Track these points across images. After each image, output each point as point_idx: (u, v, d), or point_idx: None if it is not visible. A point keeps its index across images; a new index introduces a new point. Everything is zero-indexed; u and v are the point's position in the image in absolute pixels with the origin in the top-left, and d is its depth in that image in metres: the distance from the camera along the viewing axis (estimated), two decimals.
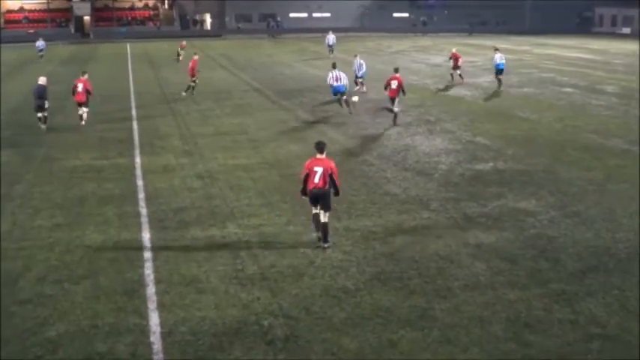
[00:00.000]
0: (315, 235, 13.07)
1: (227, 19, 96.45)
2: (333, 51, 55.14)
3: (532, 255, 12.33)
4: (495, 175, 17.92)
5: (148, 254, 12.48)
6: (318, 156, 13.00)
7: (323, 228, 12.77)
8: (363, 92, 32.66)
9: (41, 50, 54.79)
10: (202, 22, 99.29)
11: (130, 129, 24.86)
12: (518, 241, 13.03)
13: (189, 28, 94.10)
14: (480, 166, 18.91)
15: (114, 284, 11.19)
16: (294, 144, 21.92)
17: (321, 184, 12.68)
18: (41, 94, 24.87)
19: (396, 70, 26.17)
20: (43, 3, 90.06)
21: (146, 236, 13.41)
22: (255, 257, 12.31)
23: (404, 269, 11.73)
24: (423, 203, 15.50)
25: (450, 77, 38.42)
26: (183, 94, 32.99)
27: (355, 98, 27.22)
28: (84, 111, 25.89)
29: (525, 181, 17.37)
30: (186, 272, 11.65)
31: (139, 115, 27.78)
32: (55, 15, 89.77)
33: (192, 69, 33.33)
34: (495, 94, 32.98)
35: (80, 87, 25.71)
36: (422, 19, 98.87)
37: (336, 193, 12.99)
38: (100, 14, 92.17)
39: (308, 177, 12.79)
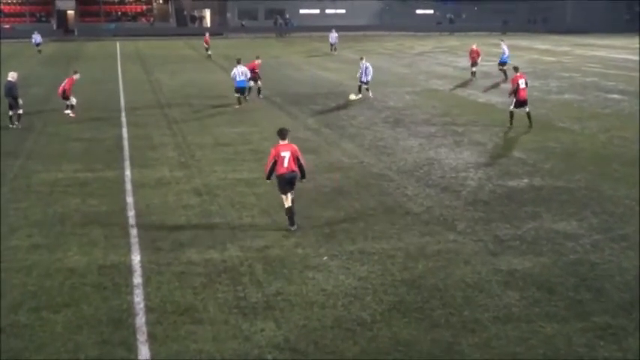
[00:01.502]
0: (292, 228, 14.96)
1: (229, 15, 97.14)
2: (335, 49, 56.71)
3: (572, 284, 12.31)
4: (531, 193, 17.91)
5: (138, 279, 12.53)
6: (282, 142, 15.18)
7: (291, 210, 14.99)
8: (370, 98, 33.03)
9: (39, 44, 59.00)
10: (201, 18, 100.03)
11: (119, 138, 25.02)
12: (557, 268, 13.01)
13: (186, 25, 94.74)
14: (513, 183, 18.90)
15: (99, 313, 11.24)
16: (304, 155, 21.72)
17: (292, 167, 15.01)
18: (10, 91, 26.40)
19: (517, 69, 27.05)
20: None
21: (136, 259, 13.47)
22: (258, 283, 12.35)
23: (426, 299, 11.73)
24: (448, 224, 15.51)
25: (473, 75, 39.71)
26: (261, 96, 33.44)
27: (353, 96, 31.05)
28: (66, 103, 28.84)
29: (565, 199, 17.35)
30: (180, 300, 11.69)
31: (130, 122, 27.97)
32: (35, 9, 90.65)
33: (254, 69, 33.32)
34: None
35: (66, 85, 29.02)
36: (448, 16, 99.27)
37: (303, 176, 15.32)
38: (86, 8, 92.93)
39: (276, 163, 14.96)
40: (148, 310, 11.31)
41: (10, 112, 26.73)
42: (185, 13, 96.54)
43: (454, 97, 34.95)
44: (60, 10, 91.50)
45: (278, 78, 42.63)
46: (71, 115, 28.35)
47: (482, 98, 34.24)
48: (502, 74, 40.31)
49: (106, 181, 19.21)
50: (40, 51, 59.44)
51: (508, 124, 26.28)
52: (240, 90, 31.24)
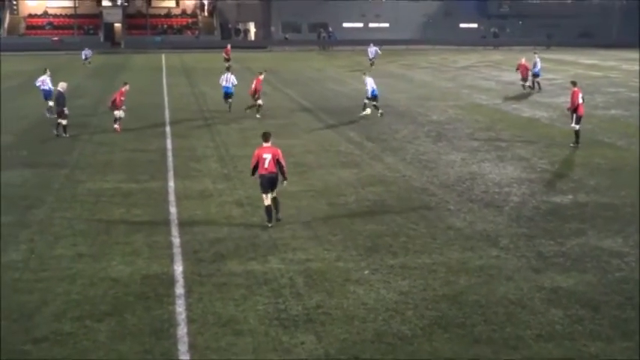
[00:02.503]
0: (269, 225, 16.09)
1: (273, 28, 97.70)
2: (373, 64, 56.02)
3: (617, 302, 12.10)
4: (575, 210, 17.68)
5: (180, 290, 12.64)
6: (265, 145, 16.49)
7: (275, 203, 16.37)
8: (366, 114, 32.33)
9: (87, 58, 59.35)
10: (246, 31, 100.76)
11: (163, 149, 25.28)
12: (602, 286, 12.81)
13: (230, 37, 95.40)
14: (557, 199, 18.69)
15: (141, 323, 11.35)
16: (346, 169, 22.02)
17: (272, 169, 16.16)
18: (58, 101, 27.45)
19: (575, 84, 26.58)
20: (70, 7, 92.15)
21: (178, 269, 13.60)
22: (299, 296, 12.37)
23: (468, 314, 11.63)
24: (491, 240, 15.38)
25: (525, 88, 41.86)
26: (257, 115, 32.52)
27: (368, 111, 32.29)
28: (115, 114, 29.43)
29: (610, 216, 17.09)
30: (222, 311, 11.75)
31: (174, 134, 28.24)
32: (83, 21, 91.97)
33: (256, 90, 32.48)
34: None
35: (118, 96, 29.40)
36: (493, 30, 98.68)
37: (284, 177, 16.34)
38: (133, 21, 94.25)
39: (258, 164, 16.21)
40: (190, 320, 11.38)
41: (58, 121, 27.72)
42: (230, 26, 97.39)
43: (498, 111, 34.69)
44: (107, 22, 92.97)
45: (320, 91, 42.73)
46: (117, 128, 28.68)
47: (527, 113, 33.91)
48: (535, 86, 42.11)
49: (150, 191, 19.42)
50: (89, 62, 60.20)
51: (573, 143, 25.64)
52: (227, 95, 33.98)
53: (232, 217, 16.99)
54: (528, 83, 42.24)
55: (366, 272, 13.35)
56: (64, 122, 27.66)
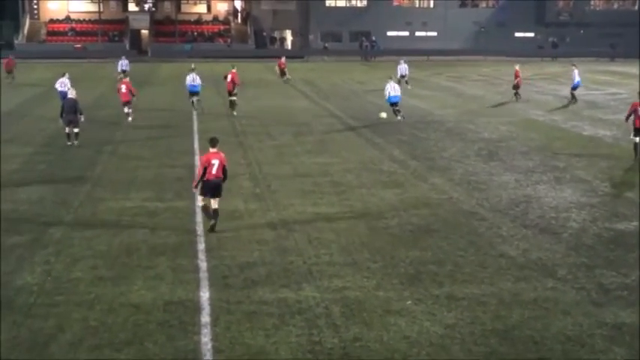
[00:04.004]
0: (210, 223, 17.40)
1: (311, 37, 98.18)
2: (407, 83, 51.38)
3: None
4: None
5: (206, 318, 12.67)
6: (212, 150, 17.60)
7: (216, 214, 17.50)
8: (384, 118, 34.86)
9: (124, 71, 54.92)
10: (282, 40, 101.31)
11: (191, 166, 25.43)
12: None
13: (265, 46, 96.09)
14: (621, 226, 18.45)
15: (164, 353, 11.39)
16: (388, 190, 21.98)
17: (219, 175, 17.39)
18: (73, 108, 28.86)
19: None
20: (94, 12, 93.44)
21: (205, 296, 13.63)
22: (335, 327, 12.33)
23: (521, 352, 11.50)
24: (546, 269, 15.22)
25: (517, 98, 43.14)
26: (234, 113, 37.48)
27: (384, 115, 34.64)
28: (129, 111, 34.77)
29: None
30: (251, 342, 11.75)
31: (203, 150, 28.36)
32: (108, 27, 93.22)
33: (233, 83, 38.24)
34: None
35: (124, 88, 34.84)
36: (551, 39, 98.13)
37: (224, 179, 17.66)
38: (161, 28, 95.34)
39: (206, 169, 17.24)
40: (216, 351, 11.40)
41: (67, 130, 29.02)
42: (265, 34, 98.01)
43: (555, 128, 34.42)
44: (134, 29, 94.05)
45: (362, 105, 42.78)
46: (130, 119, 34.43)
47: (588, 130, 33.61)
48: (572, 98, 44.10)
49: (176, 211, 19.55)
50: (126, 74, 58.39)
51: (634, 158, 25.94)
52: (192, 94, 38.79)
53: (264, 241, 17.02)
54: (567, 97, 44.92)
55: (409, 303, 13.27)
56: (75, 130, 28.91)
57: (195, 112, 38.00)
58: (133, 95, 34.92)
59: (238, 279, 14.52)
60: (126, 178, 23.49)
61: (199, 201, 17.90)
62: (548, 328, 12.34)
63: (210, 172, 17.35)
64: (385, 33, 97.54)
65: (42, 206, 20.05)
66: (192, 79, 38.88)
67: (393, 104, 35.48)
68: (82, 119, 29.37)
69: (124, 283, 14.28)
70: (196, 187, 17.81)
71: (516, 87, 45.58)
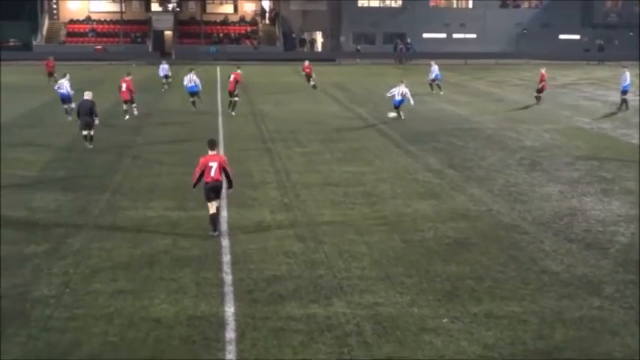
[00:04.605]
0: (211, 234, 18.00)
1: (343, 38, 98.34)
2: (440, 87, 52.12)
3: None
4: None
5: (230, 334, 12.71)
6: (211, 152, 18.29)
7: (215, 217, 18.16)
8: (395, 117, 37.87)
9: (167, 77, 54.98)
10: (312, 42, 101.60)
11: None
12: None
13: (295, 49, 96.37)
14: None
15: None
16: (424, 201, 21.94)
17: (217, 177, 18.00)
18: (89, 110, 29.69)
19: None
20: (116, 12, 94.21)
21: (230, 311, 13.68)
22: (367, 346, 12.31)
23: None
24: (593, 287, 15.10)
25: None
26: (233, 113, 39.97)
27: (393, 114, 38.21)
28: (131, 106, 38.32)
29: None
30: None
31: (228, 157, 28.32)
32: (130, 28, 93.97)
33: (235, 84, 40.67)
34: None
35: (124, 86, 37.94)
36: (598, 42, 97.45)
37: (230, 186, 18.52)
38: (185, 29, 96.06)
39: (204, 172, 17.96)
40: None
41: (85, 133, 29.83)
42: (294, 35, 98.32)
43: (603, 137, 34.17)
44: (157, 30, 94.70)
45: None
46: (136, 113, 38.31)
47: (638, 140, 33.31)
48: (622, 104, 43.64)
49: (200, 221, 19.59)
50: (169, 83, 55.49)
51: None
52: (192, 94, 41.89)
53: (292, 253, 17.05)
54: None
55: (445, 320, 13.23)
56: (91, 132, 29.79)
57: (220, 118, 38.13)
58: (133, 94, 38.45)
59: (265, 293, 14.54)
60: (147, 186, 23.64)
61: (209, 208, 18.28)
62: (594, 350, 12.25)
63: (209, 175, 18.05)
64: (421, 35, 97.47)
65: (60, 215, 20.24)
66: (190, 79, 41.87)
67: (397, 106, 38.28)
68: (97, 122, 30.32)
69: (145, 296, 14.37)
70: (194, 187, 18.64)
71: (540, 90, 45.86)
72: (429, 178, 25.16)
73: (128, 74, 39.81)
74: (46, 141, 31.73)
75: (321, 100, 48.11)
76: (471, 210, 21.03)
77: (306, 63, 56.36)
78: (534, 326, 13.13)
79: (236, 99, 40.94)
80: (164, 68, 55.56)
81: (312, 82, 54.32)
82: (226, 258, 16.67)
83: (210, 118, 39.12)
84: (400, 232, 18.82)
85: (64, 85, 37.68)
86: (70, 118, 36.09)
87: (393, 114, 38.18)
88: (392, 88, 39.03)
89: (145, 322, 13.15)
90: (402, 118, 37.97)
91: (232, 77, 41.12)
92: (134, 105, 38.85)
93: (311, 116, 40.07)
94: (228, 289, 14.74)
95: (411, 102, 38.64)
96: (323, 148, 30.53)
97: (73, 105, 36.14)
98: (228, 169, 18.36)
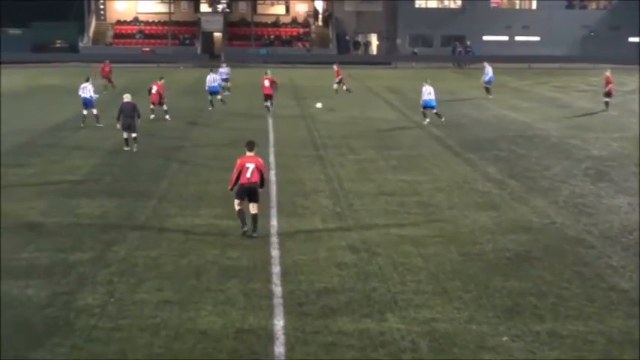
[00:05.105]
0: (244, 229, 18.80)
1: (399, 41, 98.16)
2: (489, 91, 52.37)
3: None
4: None
5: (280, 349, 12.74)
6: (248, 154, 19.16)
7: (254, 219, 18.83)
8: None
9: (226, 80, 53.72)
10: (367, 44, 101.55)
11: (266, 181, 25.60)
12: None
13: (349, 51, 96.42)
14: None
15: None
16: (482, 212, 21.80)
17: (254, 179, 18.72)
18: (131, 112, 30.60)
19: None
20: (164, 13, 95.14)
21: (279, 324, 13.71)
22: None
23: None
24: None
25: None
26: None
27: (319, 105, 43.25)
28: (162, 110, 39.38)
29: None
30: None
31: (279, 164, 28.67)
32: (178, 30, 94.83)
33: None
34: None
35: (154, 89, 39.67)
36: None
37: (262, 185, 19.13)
38: (235, 30, 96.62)
39: (240, 173, 18.67)
40: None
41: (125, 135, 30.60)
42: (348, 38, 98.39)
43: None
44: (206, 31, 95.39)
45: (454, 117, 42.51)
46: (168, 117, 39.37)
47: None
48: None
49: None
50: (228, 88, 54.12)
51: None
52: (213, 93, 45.11)
53: (345, 265, 17.05)
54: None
55: (505, 339, 13.12)
56: (133, 135, 30.47)
57: (270, 123, 38.31)
58: (162, 98, 39.88)
59: (316, 306, 14.56)
60: (195, 193, 23.81)
61: (236, 205, 18.99)
62: None
63: (245, 176, 18.74)
64: (481, 37, 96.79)
65: (105, 221, 20.50)
66: (213, 79, 45.45)
67: (429, 107, 39.06)
68: (139, 122, 31.33)
69: (191, 307, 14.47)
70: (231, 190, 19.29)
71: (608, 94, 45.21)
72: (488, 188, 25.01)
73: (161, 78, 41.45)
74: (94, 145, 32.24)
75: (375, 106, 48.09)
76: (533, 222, 20.84)
77: (335, 67, 55.14)
78: (600, 346, 12.97)
79: (268, 104, 43.20)
80: (223, 72, 54.12)
81: (345, 86, 53.15)
82: (276, 269, 16.73)
83: (260, 123, 39.33)
84: (458, 244, 18.73)
85: (88, 89, 38.03)
86: (100, 125, 37.04)
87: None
88: (424, 89, 39.67)
89: (191, 335, 13.25)
90: (443, 119, 38.93)
91: (267, 83, 43.15)
92: (165, 108, 39.89)
93: (365, 122, 40.07)
94: (278, 302, 14.78)
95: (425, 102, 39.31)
96: (377, 156, 30.51)
97: (95, 111, 37.49)
98: (264, 172, 19.35)
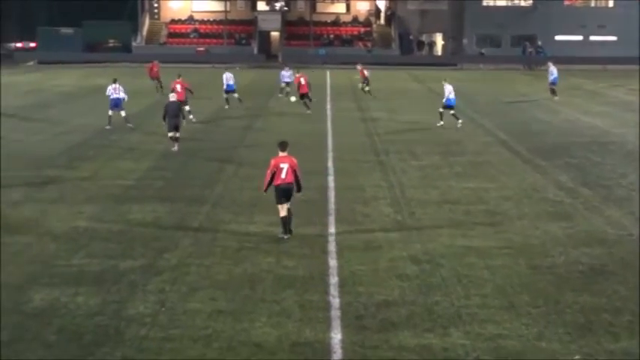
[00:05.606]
0: (284, 237, 19.33)
1: (465, 41, 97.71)
2: (555, 92, 52.45)
3: None
4: None
5: None
6: (281, 154, 19.69)
7: (289, 215, 19.42)
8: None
9: (287, 83, 52.97)
10: (431, 44, 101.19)
11: (324, 188, 25.70)
12: None
13: (412, 52, 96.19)
14: None
15: None
16: (553, 222, 21.58)
17: (289, 179, 19.29)
18: (177, 111, 31.65)
19: None
20: (220, 12, 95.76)
21: (336, 337, 13.69)
22: None
23: None
24: None
25: None
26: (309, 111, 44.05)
27: (293, 98, 45.03)
28: (184, 110, 36.78)
29: None
30: None
31: (338, 170, 28.70)
32: (234, 29, 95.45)
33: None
34: None
35: (179, 87, 39.51)
36: None
37: (299, 189, 19.61)
38: (293, 30, 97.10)
39: (275, 174, 19.25)
40: None
41: (171, 134, 31.48)
42: (411, 37, 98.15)
43: None
44: (263, 31, 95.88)
45: (524, 122, 42.24)
46: (192, 118, 39.59)
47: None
48: None
49: (306, 238, 19.76)
50: (286, 93, 52.28)
51: None
52: (229, 92, 47.06)
53: (406, 276, 16.99)
54: None
55: (577, 357, 12.97)
56: (177, 134, 31.34)
57: (329, 127, 38.33)
58: (191, 92, 41.84)
59: (375, 320, 14.53)
60: (249, 199, 23.91)
61: (281, 211, 19.47)
62: None
63: (279, 177, 19.37)
64: (553, 37, 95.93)
65: (157, 228, 20.70)
66: (229, 77, 47.54)
67: (450, 107, 39.67)
68: (185, 123, 32.60)
69: (245, 318, 14.53)
70: (265, 191, 19.90)
71: None
72: (560, 197, 24.76)
73: (179, 76, 42.32)
74: (146, 148, 32.64)
75: (437, 108, 47.92)
76: (608, 234, 20.57)
77: (359, 66, 55.72)
78: None
79: (307, 100, 45.09)
80: (284, 75, 53.57)
81: (367, 88, 53.43)
82: (333, 279, 16.73)
83: (319, 127, 39.40)
84: (526, 256, 18.56)
85: (119, 89, 38.58)
86: (130, 125, 37.83)
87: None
88: (446, 88, 40.07)
89: (244, 347, 13.29)
90: (459, 123, 39.26)
91: (303, 81, 45.28)
92: (188, 109, 39.65)
93: (428, 126, 39.90)
94: (335, 314, 14.77)
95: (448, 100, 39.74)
96: (441, 162, 30.39)
97: (124, 113, 38.13)
98: (298, 171, 19.68)
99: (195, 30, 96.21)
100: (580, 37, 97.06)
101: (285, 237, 19.36)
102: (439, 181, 26.90)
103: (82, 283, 16.23)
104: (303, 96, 45.03)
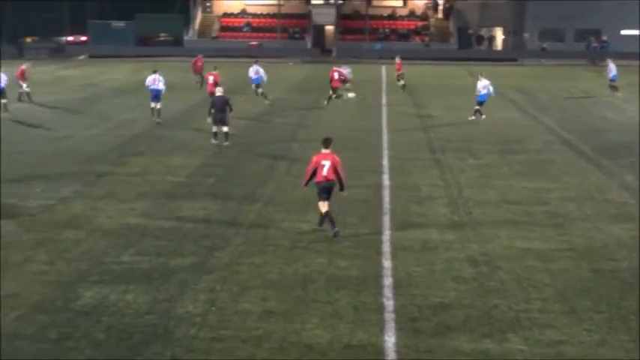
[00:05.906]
0: (331, 233, 19.39)
1: (527, 35, 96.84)
2: (617, 89, 52.25)
3: None
4: None
5: None
6: (324, 151, 20.06)
7: (329, 216, 19.62)
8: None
9: (344, 81, 51.16)
10: (490, 39, 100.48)
11: (379, 186, 25.71)
12: None
13: (471, 46, 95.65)
14: None
15: None
16: (617, 224, 21.36)
17: (330, 177, 19.61)
18: (224, 105, 32.25)
19: None
20: (273, 5, 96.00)
21: (390, 341, 13.68)
22: None
23: None
24: None
25: None
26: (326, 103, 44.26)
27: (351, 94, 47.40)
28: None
29: None
30: None
31: (393, 168, 28.68)
32: (287, 23, 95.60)
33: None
34: None
35: (211, 79, 42.17)
36: None
37: (342, 188, 19.90)
38: (348, 24, 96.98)
39: (316, 170, 19.65)
40: None
41: (215, 128, 32.41)
42: (470, 32, 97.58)
43: None
44: (317, 24, 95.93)
45: (587, 120, 41.87)
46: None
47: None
48: None
49: (360, 239, 19.78)
50: (347, 89, 51.54)
51: None
52: (255, 85, 48.40)
53: (463, 279, 16.93)
54: None
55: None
56: (224, 129, 32.05)
57: (385, 124, 38.30)
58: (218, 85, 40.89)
59: (430, 323, 14.49)
60: (302, 198, 23.87)
61: (321, 207, 19.85)
62: None
63: (320, 174, 19.75)
64: (619, 32, 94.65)
65: (208, 226, 20.83)
66: (256, 71, 48.48)
67: (481, 103, 40.91)
68: (232, 115, 33.14)
69: (297, 319, 14.56)
70: (305, 186, 20.53)
71: None
72: (624, 198, 24.50)
73: (215, 68, 44.41)
74: (197, 144, 32.82)
75: (499, 106, 47.55)
76: None
77: (397, 59, 57.01)
78: None
79: (336, 94, 45.74)
80: (345, 72, 52.10)
81: (401, 82, 54.40)
82: (388, 281, 16.71)
83: (374, 123, 39.39)
84: (589, 260, 18.40)
85: (159, 80, 39.43)
86: (159, 120, 38.62)
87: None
88: (480, 83, 41.31)
89: (296, 348, 13.33)
90: (483, 117, 40.28)
91: (337, 76, 45.86)
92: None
93: (487, 124, 39.69)
94: (389, 317, 14.75)
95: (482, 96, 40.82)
96: (500, 161, 30.23)
97: (159, 105, 38.94)
98: (339, 169, 19.91)
99: (248, 24, 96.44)
100: None
101: (320, 227, 19.94)
102: (498, 181, 26.75)
103: (131, 281, 16.40)
104: (334, 90, 45.58)
